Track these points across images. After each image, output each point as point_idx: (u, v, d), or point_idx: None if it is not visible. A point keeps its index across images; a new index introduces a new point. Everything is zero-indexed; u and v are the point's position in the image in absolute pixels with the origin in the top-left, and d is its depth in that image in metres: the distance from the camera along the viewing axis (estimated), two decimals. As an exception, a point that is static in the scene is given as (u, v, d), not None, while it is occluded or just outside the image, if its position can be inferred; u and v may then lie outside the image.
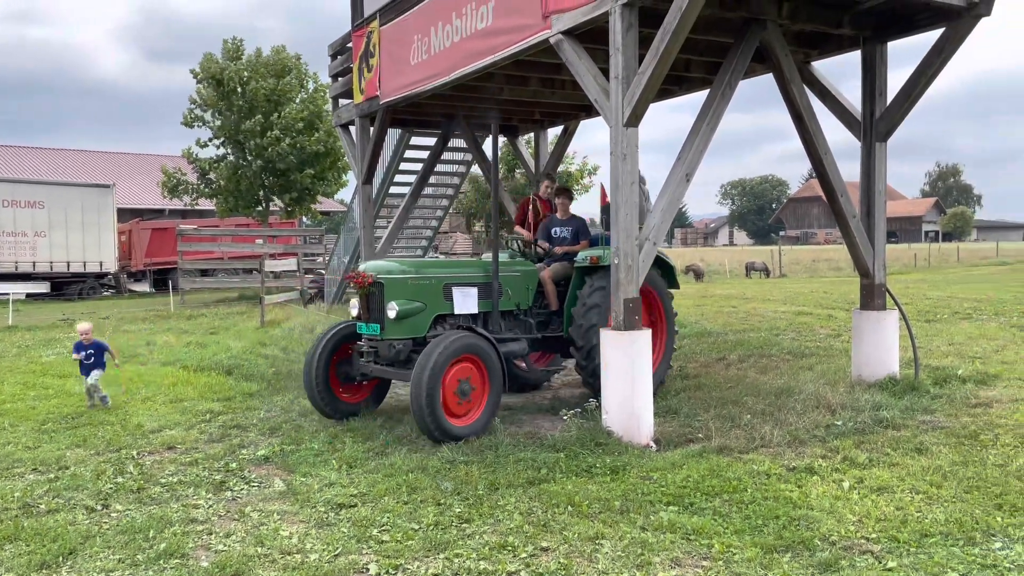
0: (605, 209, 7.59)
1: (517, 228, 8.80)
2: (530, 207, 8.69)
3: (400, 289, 6.69)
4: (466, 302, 7.03)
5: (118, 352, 8.24)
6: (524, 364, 8.14)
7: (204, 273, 25.59)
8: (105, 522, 4.68)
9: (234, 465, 5.77)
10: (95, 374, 7.84)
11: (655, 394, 7.71)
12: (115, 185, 28.26)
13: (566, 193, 8.36)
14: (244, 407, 7.80)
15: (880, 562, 3.82)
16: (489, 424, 6.43)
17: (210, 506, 4.92)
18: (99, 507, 4.96)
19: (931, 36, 7.16)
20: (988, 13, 6.70)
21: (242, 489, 5.25)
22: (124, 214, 31.43)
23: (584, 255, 7.45)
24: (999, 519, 4.27)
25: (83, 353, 7.90)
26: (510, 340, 7.23)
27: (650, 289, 7.78)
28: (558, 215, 8.22)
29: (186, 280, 22.38)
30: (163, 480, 5.47)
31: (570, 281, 7.61)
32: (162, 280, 28.03)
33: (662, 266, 7.95)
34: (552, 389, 8.61)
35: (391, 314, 6.54)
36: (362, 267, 6.95)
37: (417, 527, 4.41)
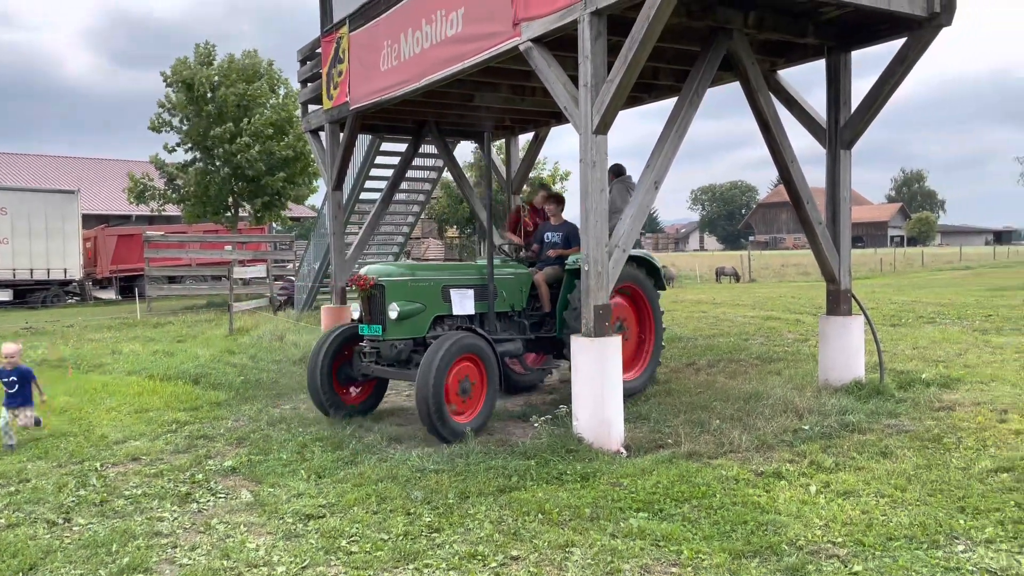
0: None
1: (508, 234, 9.10)
2: (523, 214, 9.06)
3: (401, 291, 6.94)
4: (464, 303, 7.30)
5: (45, 386, 7.09)
6: (519, 365, 8.44)
7: (171, 280, 25.24)
8: (67, 536, 4.59)
9: (200, 476, 5.69)
10: (24, 414, 6.67)
11: (645, 391, 8.10)
12: (80, 191, 27.80)
13: (557, 199, 8.59)
14: (211, 417, 7.70)
15: (846, 566, 3.86)
16: (488, 420, 6.72)
17: (175, 519, 4.85)
18: (61, 521, 4.86)
19: (894, 45, 7.29)
20: (949, 23, 6.83)
21: (208, 501, 5.18)
22: (89, 220, 30.92)
23: (575, 259, 7.65)
24: (962, 522, 4.34)
25: (3, 380, 6.69)
26: (506, 340, 7.50)
27: (638, 290, 8.15)
28: (551, 221, 8.47)
29: (153, 287, 22.06)
30: (127, 492, 5.37)
31: (562, 284, 7.82)
32: (128, 287, 27.58)
33: (649, 268, 8.26)
34: (525, 396, 8.60)
35: (392, 315, 6.79)
36: (364, 270, 7.17)
37: (386, 537, 4.38)
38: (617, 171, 9.08)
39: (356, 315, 7.26)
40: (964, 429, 6.13)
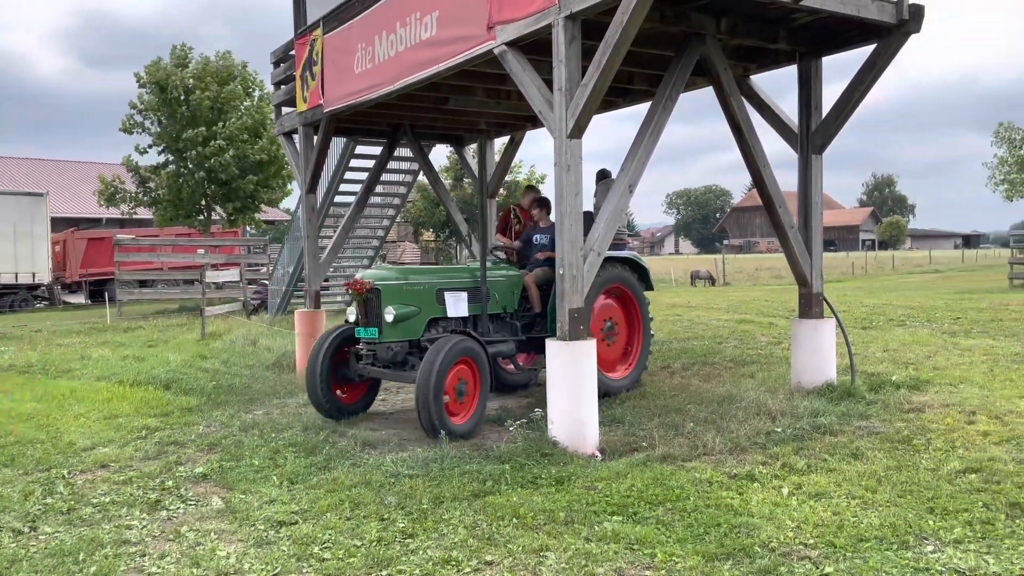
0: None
1: (498, 236, 9.29)
2: (512, 217, 9.24)
3: (396, 295, 7.13)
4: (457, 306, 7.50)
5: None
6: (512, 365, 8.63)
7: (143, 284, 24.87)
8: (32, 545, 4.50)
9: (170, 483, 5.61)
10: None
11: (632, 390, 8.28)
12: (49, 193, 27.36)
13: (543, 203, 8.74)
14: (182, 423, 7.60)
15: (818, 567, 3.89)
16: (480, 421, 6.91)
17: (144, 526, 4.77)
18: (27, 529, 4.77)
19: (864, 52, 7.39)
20: (917, 30, 6.93)
21: (178, 508, 5.11)
22: (59, 223, 30.43)
23: None
24: (931, 522, 4.39)
25: None
26: (498, 341, 7.70)
27: (627, 291, 8.44)
28: (540, 224, 8.64)
29: (123, 291, 21.72)
30: (95, 500, 5.28)
31: (552, 285, 7.87)
32: (98, 292, 27.19)
33: (638, 269, 8.55)
34: (515, 394, 8.58)
35: (388, 318, 6.97)
36: (360, 275, 7.32)
37: (359, 543, 4.35)
38: (603, 175, 9.21)
39: (352, 318, 7.41)
40: (933, 430, 6.22)
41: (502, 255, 8.89)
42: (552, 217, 8.52)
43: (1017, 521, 4.36)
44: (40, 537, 4.64)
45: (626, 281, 8.40)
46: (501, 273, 8.13)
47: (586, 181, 6.74)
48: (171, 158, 23.62)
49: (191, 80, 22.69)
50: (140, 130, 23.54)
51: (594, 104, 6.08)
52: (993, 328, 11.68)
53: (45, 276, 26.06)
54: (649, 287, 8.73)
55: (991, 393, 7.37)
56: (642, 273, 8.62)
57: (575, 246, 6.22)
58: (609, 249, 8.25)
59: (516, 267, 8.46)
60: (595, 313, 8.16)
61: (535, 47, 6.81)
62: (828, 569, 3.86)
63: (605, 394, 7.84)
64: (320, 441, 6.57)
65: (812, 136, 7.78)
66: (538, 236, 8.51)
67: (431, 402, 6.41)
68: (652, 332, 8.95)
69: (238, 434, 7.01)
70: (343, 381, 7.66)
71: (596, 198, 9.26)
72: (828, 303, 7.99)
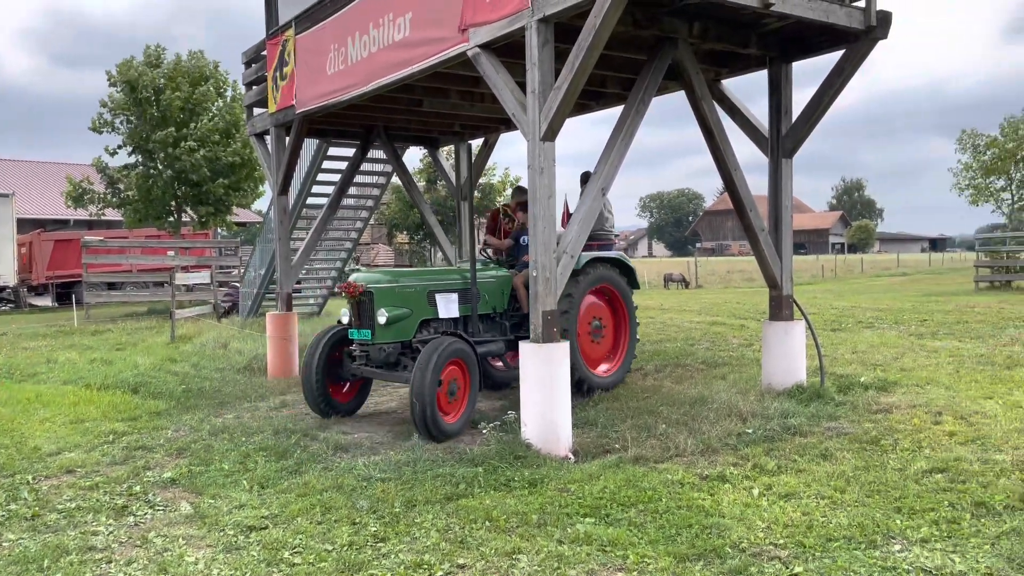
0: None
1: (488, 236, 9.36)
2: (501, 216, 9.32)
3: (388, 297, 7.30)
4: (448, 307, 7.71)
5: None
6: (502, 363, 8.86)
7: (111, 286, 24.50)
8: (-6, 553, 4.40)
9: (138, 488, 5.52)
10: None
11: (618, 386, 8.49)
12: (15, 194, 26.86)
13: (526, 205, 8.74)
14: (151, 427, 7.49)
15: (787, 567, 3.93)
16: (470, 419, 7.07)
17: (110, 532, 4.69)
18: (-12, 537, 4.66)
19: (833, 57, 7.50)
20: (885, 36, 7.04)
21: (146, 514, 5.03)
22: (25, 225, 29.89)
23: None
24: (898, 522, 4.45)
25: None
26: (488, 341, 7.91)
27: (614, 291, 8.68)
28: (528, 225, 8.62)
29: (91, 294, 21.37)
30: (60, 506, 5.18)
31: None
32: (66, 294, 26.72)
33: (623, 268, 8.79)
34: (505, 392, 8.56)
35: (381, 320, 7.14)
36: (352, 278, 7.50)
37: (331, 548, 4.31)
38: (587, 177, 9.23)
39: (345, 319, 7.55)
40: (900, 431, 6.31)
41: (491, 255, 9.07)
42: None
43: (982, 520, 4.43)
44: (3, 544, 4.54)
45: (613, 281, 8.63)
46: (490, 274, 8.32)
47: (563, 183, 6.81)
48: (140, 159, 23.30)
49: (162, 80, 22.40)
50: (110, 129, 23.20)
51: (567, 107, 6.09)
52: (959, 330, 11.89)
53: (11, 278, 25.58)
54: (635, 286, 9.01)
55: (957, 394, 7.50)
56: (628, 273, 8.86)
57: (548, 249, 6.23)
58: (596, 249, 8.62)
59: (505, 267, 8.63)
60: (583, 312, 8.37)
61: (508, 49, 6.82)
62: (798, 569, 3.90)
63: (592, 390, 8.19)
64: (291, 445, 6.51)
65: (782, 140, 7.87)
66: (526, 237, 8.51)
67: (425, 403, 6.55)
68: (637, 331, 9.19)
69: (208, 438, 6.92)
70: (337, 381, 7.82)
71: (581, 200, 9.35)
72: (798, 305, 8.07)
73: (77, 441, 6.92)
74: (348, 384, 7.93)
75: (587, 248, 8.48)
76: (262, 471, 5.78)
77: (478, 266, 8.18)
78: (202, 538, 4.56)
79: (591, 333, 8.48)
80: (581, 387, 8.02)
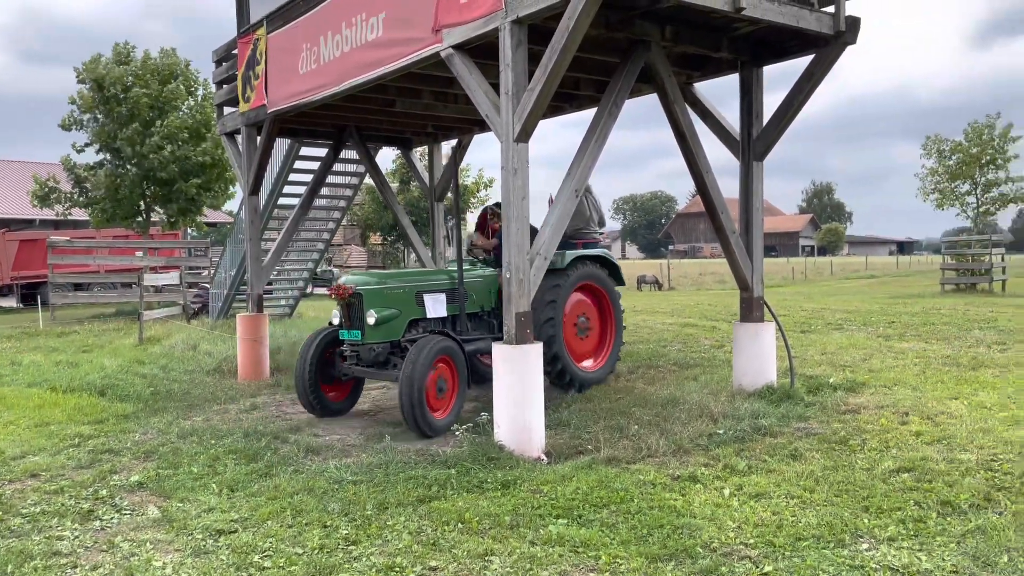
0: None
1: (477, 235, 9.48)
2: (489, 216, 9.41)
3: (377, 298, 7.46)
4: (436, 307, 7.87)
5: None
6: (490, 359, 8.74)
7: (78, 287, 24.08)
8: (-46, 560, 4.30)
9: (104, 492, 5.43)
10: None
11: (607, 382, 8.67)
12: (-22, 193, 26.33)
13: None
14: (118, 430, 7.37)
15: (757, 567, 3.96)
16: (459, 415, 7.16)
17: (76, 537, 4.61)
18: (-52, 543, 4.56)
19: (803, 61, 7.58)
20: (853, 41, 7.15)
21: (112, 518, 4.95)
22: (-12, 224, 29.33)
23: None
24: (866, 521, 4.51)
25: None
26: (476, 339, 8.02)
27: (600, 288, 8.89)
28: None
29: (57, 295, 20.98)
30: (24, 511, 5.08)
31: None
32: (31, 295, 26.22)
33: (609, 266, 9.02)
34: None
35: (370, 321, 7.30)
36: (342, 280, 7.67)
37: (301, 551, 4.27)
38: None
39: (336, 321, 7.70)
40: (868, 431, 6.39)
41: (479, 254, 9.15)
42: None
43: (948, 519, 4.50)
44: (-37, 550, 4.44)
45: (598, 278, 8.83)
46: (478, 274, 8.49)
47: (537, 185, 6.88)
48: (108, 157, 22.95)
49: (130, 78, 22.08)
50: (79, 127, 22.83)
51: (540, 108, 6.10)
52: (925, 332, 12.08)
53: (-27, 279, 25.05)
54: (620, 283, 9.23)
55: (923, 395, 7.62)
56: (613, 270, 9.08)
57: (521, 250, 6.22)
58: (582, 248, 8.83)
59: (493, 266, 8.77)
60: (569, 309, 8.54)
61: (482, 51, 6.81)
62: (768, 568, 3.93)
63: (581, 386, 8.38)
64: (262, 448, 6.45)
65: (753, 143, 7.94)
66: None
67: (414, 401, 6.71)
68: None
69: (176, 441, 6.83)
70: (330, 381, 7.95)
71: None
72: (768, 307, 8.16)
73: (42, 445, 6.79)
74: (340, 384, 8.04)
75: (572, 247, 8.76)
76: (232, 474, 5.71)
77: (465, 266, 8.32)
78: (170, 542, 4.49)
79: (577, 329, 8.68)
80: (568, 381, 8.29)
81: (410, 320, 7.68)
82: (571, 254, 8.48)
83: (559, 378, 8.25)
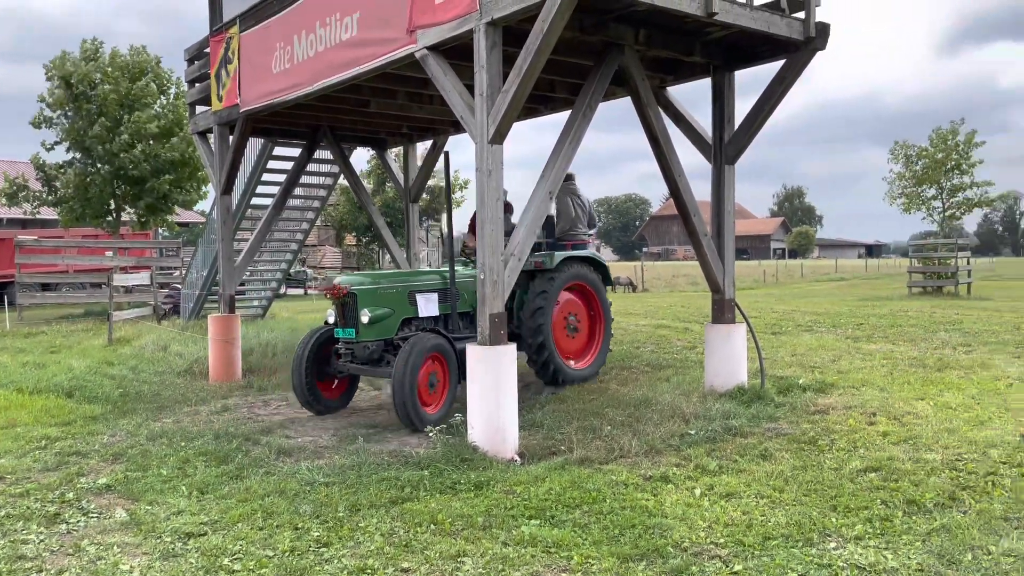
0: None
1: (469, 235, 9.65)
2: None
3: (371, 298, 7.66)
4: (428, 307, 8.09)
5: None
6: None
7: (46, 287, 23.69)
8: (-85, 564, 4.22)
9: (71, 495, 5.35)
10: None
11: (597, 379, 8.85)
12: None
13: (507, 207, 9.19)
14: (85, 432, 7.26)
15: (727, 566, 4.00)
16: (451, 409, 7.29)
17: (41, 541, 4.54)
18: (-91, 548, 4.46)
19: (774, 67, 7.68)
20: (823, 47, 7.25)
21: (79, 521, 4.88)
22: (-47, 223, 28.74)
23: (528, 260, 8.34)
24: (834, 520, 4.57)
25: None
26: (467, 337, 8.05)
27: (588, 288, 9.11)
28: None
29: (25, 295, 20.62)
30: (-12, 514, 4.99)
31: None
32: (-3, 295, 25.75)
33: (597, 266, 9.27)
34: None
35: (364, 320, 7.50)
36: (337, 280, 7.89)
37: (272, 554, 4.24)
38: (566, 177, 9.32)
39: (331, 319, 7.86)
40: (837, 431, 6.48)
41: (472, 255, 9.23)
42: (515, 219, 8.66)
43: (914, 518, 4.58)
44: (-75, 555, 4.36)
45: (587, 278, 9.05)
46: (469, 273, 8.68)
47: (510, 187, 6.93)
48: (78, 155, 22.60)
49: (98, 75, 21.76)
50: (48, 125, 22.46)
51: (515, 110, 6.12)
52: (893, 334, 12.27)
53: (-63, 278, 24.53)
54: (609, 283, 9.51)
55: (890, 395, 7.73)
56: (602, 270, 9.33)
57: (496, 251, 6.24)
58: (571, 248, 9.07)
59: None
60: (558, 308, 8.71)
61: (457, 52, 6.82)
62: (737, 567, 3.97)
63: (566, 382, 8.58)
64: (232, 449, 6.39)
65: (725, 147, 8.02)
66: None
67: (407, 394, 6.91)
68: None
69: (145, 443, 6.75)
70: (325, 379, 8.12)
71: (555, 202, 9.44)
72: (740, 309, 8.24)
73: (7, 447, 6.68)
74: (336, 381, 8.21)
75: (560, 248, 9.00)
76: (202, 476, 5.66)
77: (457, 267, 8.55)
78: (138, 546, 4.44)
79: (567, 328, 8.85)
80: (553, 373, 8.50)
81: (403, 319, 7.88)
82: (560, 254, 8.70)
83: (543, 369, 8.46)
